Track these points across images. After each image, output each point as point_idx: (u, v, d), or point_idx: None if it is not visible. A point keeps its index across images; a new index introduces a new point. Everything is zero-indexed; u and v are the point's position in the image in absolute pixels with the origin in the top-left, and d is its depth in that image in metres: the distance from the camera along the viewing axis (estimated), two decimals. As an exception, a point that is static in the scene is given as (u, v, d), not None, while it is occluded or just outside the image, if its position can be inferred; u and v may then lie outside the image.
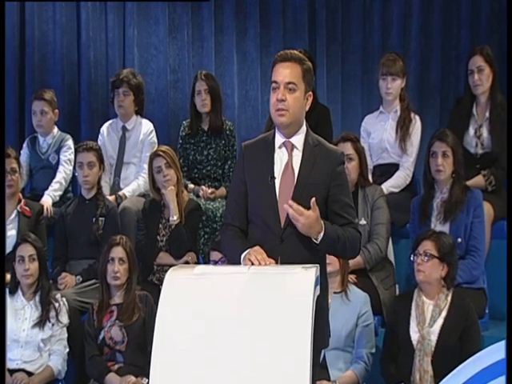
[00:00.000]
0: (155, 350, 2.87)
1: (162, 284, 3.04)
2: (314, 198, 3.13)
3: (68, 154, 5.76)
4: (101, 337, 4.63)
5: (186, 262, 5.07)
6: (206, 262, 4.96)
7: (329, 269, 3.40)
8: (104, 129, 5.92)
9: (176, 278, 3.06)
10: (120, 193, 5.61)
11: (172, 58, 7.04)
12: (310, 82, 3.31)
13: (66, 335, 4.74)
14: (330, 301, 3.37)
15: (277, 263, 3.16)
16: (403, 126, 5.44)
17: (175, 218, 5.11)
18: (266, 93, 6.90)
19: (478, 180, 5.22)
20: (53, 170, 5.76)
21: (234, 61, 7.13)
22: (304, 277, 2.96)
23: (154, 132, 5.84)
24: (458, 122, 5.38)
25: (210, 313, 2.89)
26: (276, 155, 3.30)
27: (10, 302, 4.71)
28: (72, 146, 5.76)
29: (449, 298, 4.39)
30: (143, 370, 4.40)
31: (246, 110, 7.18)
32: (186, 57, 7.05)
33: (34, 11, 6.66)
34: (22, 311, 4.72)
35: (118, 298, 4.70)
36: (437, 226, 4.85)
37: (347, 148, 4.93)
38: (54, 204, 5.58)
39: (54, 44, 6.76)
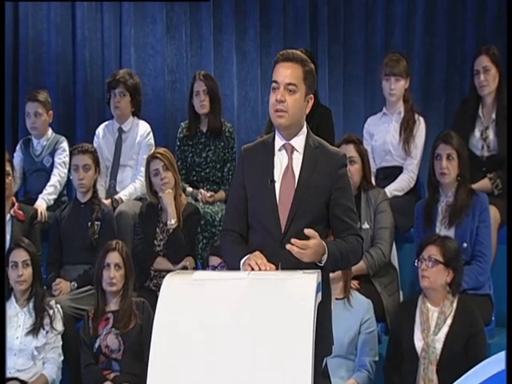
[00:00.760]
0: (152, 358, 2.87)
1: (159, 290, 3.03)
2: (306, 230, 3.11)
3: (63, 156, 5.76)
4: (96, 345, 4.63)
5: (184, 268, 5.07)
6: (205, 267, 4.96)
7: (331, 275, 3.40)
8: (100, 130, 5.92)
9: (174, 283, 3.05)
10: (116, 196, 5.61)
11: (170, 58, 7.04)
12: (312, 84, 3.30)
13: (61, 343, 4.75)
14: (332, 307, 3.36)
15: (277, 269, 3.16)
16: (407, 128, 5.44)
17: (173, 222, 5.11)
18: (267, 94, 6.85)
19: (484, 183, 5.23)
20: (47, 172, 5.76)
21: (233, 61, 7.13)
22: (305, 282, 2.96)
23: (151, 134, 5.84)
24: (464, 124, 5.39)
25: (209, 320, 2.89)
26: (276, 158, 3.29)
27: (2, 309, 4.72)
28: (67, 149, 5.76)
29: (454, 305, 4.39)
30: (140, 378, 4.37)
31: (246, 111, 7.18)
32: (184, 57, 7.05)
33: (28, 10, 6.67)
34: (15, 318, 4.72)
35: (113, 305, 4.70)
36: (442, 230, 4.85)
37: (350, 150, 4.93)
38: (49, 208, 5.58)
39: (48, 44, 6.76)
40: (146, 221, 5.25)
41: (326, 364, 3.33)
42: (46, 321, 4.70)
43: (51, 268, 5.24)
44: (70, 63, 6.83)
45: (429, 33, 6.97)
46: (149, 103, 6.78)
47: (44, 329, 4.69)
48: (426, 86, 6.95)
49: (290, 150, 3.30)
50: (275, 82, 3.26)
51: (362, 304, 4.55)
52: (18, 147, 5.90)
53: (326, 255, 3.15)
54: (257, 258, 3.14)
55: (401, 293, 5.03)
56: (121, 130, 5.82)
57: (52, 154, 5.79)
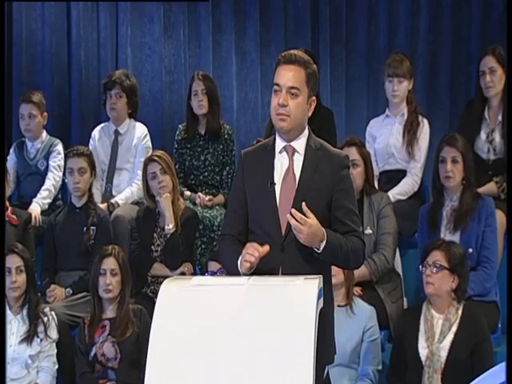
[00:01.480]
0: (149, 366, 2.87)
1: (156, 296, 3.04)
2: (304, 203, 3.12)
3: (57, 159, 5.77)
4: (92, 353, 4.63)
5: (182, 274, 5.07)
6: (203, 272, 4.97)
7: (333, 281, 3.40)
8: (95, 133, 5.92)
9: (171, 290, 3.05)
10: (112, 200, 5.61)
11: (167, 59, 7.04)
12: (314, 86, 3.31)
13: (55, 351, 4.74)
14: (334, 314, 3.36)
15: (277, 273, 3.16)
16: (410, 130, 5.44)
17: (171, 226, 5.12)
18: (267, 95, 6.91)
19: (490, 187, 5.23)
20: (41, 176, 5.77)
21: (232, 61, 7.14)
22: (306, 288, 2.96)
23: (148, 136, 5.84)
24: (469, 126, 5.39)
25: (207, 327, 2.89)
26: (276, 160, 3.30)
27: (-5, 316, 4.72)
28: (62, 151, 5.76)
29: (459, 312, 4.39)
30: (137, 388, 4.41)
31: (246, 113, 7.18)
32: (182, 57, 7.06)
33: (21, 9, 6.68)
34: (8, 326, 4.72)
35: (110, 312, 4.71)
36: (446, 235, 4.85)
37: (352, 153, 4.93)
38: (43, 212, 5.58)
39: (42, 44, 6.77)
40: (142, 225, 5.26)
41: (327, 373, 3.33)
42: (40, 328, 4.71)
43: (45, 274, 5.24)
44: (64, 64, 6.83)
45: (433, 32, 6.98)
46: (146, 105, 6.79)
47: (38, 337, 4.69)
48: (430, 88, 6.96)
49: (291, 152, 3.30)
50: (277, 84, 3.26)
51: (364, 311, 4.55)
52: (11, 150, 5.90)
53: (324, 242, 3.14)
54: (247, 248, 3.14)
55: (405, 299, 5.03)
56: (117, 133, 5.83)
57: (46, 157, 5.80)
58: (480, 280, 4.77)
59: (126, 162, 5.79)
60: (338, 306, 4.45)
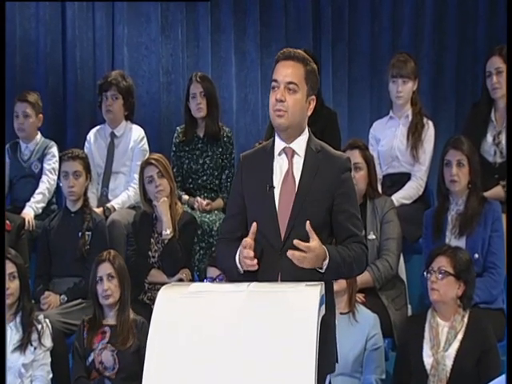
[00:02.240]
0: (146, 375, 2.87)
1: (153, 304, 3.05)
2: (308, 222, 3.12)
3: (52, 162, 5.77)
4: (90, 359, 4.62)
5: (180, 280, 5.08)
6: (202, 279, 4.97)
7: (335, 287, 3.40)
8: (91, 135, 5.93)
9: (169, 296, 3.06)
10: (108, 205, 5.62)
11: (165, 59, 7.05)
12: (314, 85, 3.31)
13: (50, 360, 4.73)
14: (336, 322, 3.36)
15: (277, 279, 3.16)
16: (415, 133, 5.45)
17: (168, 231, 5.12)
18: (267, 96, 6.77)
19: (496, 191, 5.24)
20: (35, 179, 5.77)
21: (232, 62, 7.15)
22: (308, 295, 2.96)
23: (145, 139, 5.85)
24: (475, 129, 5.40)
25: (206, 334, 2.89)
26: (275, 163, 3.30)
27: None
28: (56, 154, 5.77)
29: (465, 320, 4.40)
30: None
31: (245, 115, 7.19)
32: (180, 57, 7.07)
33: (15, 8, 6.68)
34: (1, 333, 4.73)
35: (111, 319, 4.70)
36: (452, 240, 4.86)
37: (355, 156, 4.94)
38: (37, 217, 5.58)
39: (36, 43, 6.78)
40: (139, 231, 5.26)
41: (329, 382, 3.33)
42: (34, 336, 4.70)
43: (39, 281, 5.24)
44: (59, 64, 6.84)
45: (438, 32, 7.00)
46: (143, 106, 6.80)
47: (32, 345, 4.69)
48: (435, 89, 6.97)
49: (291, 154, 3.30)
50: (275, 80, 3.27)
51: (367, 319, 4.55)
52: (4, 152, 5.90)
53: (327, 260, 3.14)
54: (242, 245, 3.15)
55: (409, 307, 5.04)
56: (113, 135, 5.83)
57: (41, 160, 5.80)
58: (486, 287, 4.77)
59: (123, 166, 5.80)
60: (341, 313, 4.45)
